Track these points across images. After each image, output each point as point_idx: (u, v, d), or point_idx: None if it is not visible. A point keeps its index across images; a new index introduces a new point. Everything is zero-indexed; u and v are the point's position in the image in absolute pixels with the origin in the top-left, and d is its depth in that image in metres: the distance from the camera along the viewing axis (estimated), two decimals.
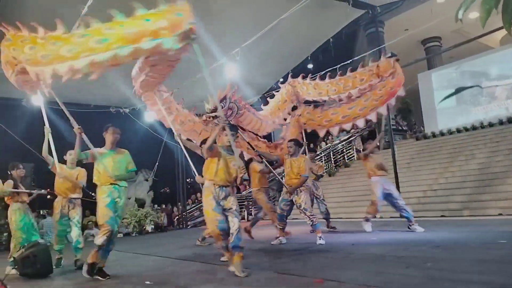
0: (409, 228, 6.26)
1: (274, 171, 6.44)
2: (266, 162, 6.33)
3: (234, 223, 4.06)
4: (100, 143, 5.15)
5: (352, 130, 7.69)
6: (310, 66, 14.90)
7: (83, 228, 13.56)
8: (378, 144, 7.07)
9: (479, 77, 15.16)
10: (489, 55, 14.97)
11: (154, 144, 14.69)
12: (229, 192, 4.19)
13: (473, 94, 15.03)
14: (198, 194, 17.09)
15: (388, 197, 6.54)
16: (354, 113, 6.56)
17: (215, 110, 5.07)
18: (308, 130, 7.20)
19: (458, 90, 1.46)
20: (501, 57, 14.63)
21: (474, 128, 14.13)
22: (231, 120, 5.22)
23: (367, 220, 6.70)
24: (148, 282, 4.09)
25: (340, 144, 16.08)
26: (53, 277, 5.10)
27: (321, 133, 7.33)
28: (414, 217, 6.40)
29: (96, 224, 13.84)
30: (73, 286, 4.42)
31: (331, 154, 15.69)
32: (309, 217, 5.83)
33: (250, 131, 6.32)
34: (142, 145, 15.60)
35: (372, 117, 6.52)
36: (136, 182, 17.26)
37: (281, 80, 16.27)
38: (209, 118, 5.26)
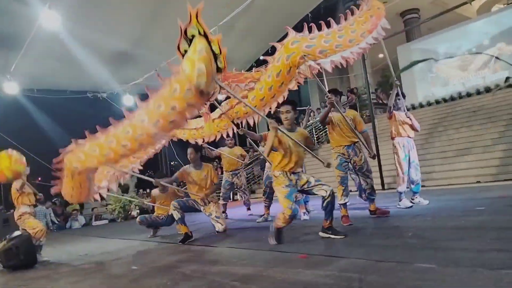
0: (412, 200, 5.77)
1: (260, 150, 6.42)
2: (251, 141, 6.30)
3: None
4: (78, 131, 4.84)
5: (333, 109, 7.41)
6: None
7: (67, 215, 13.48)
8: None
9: (456, 47, 15.30)
10: (466, 25, 15.07)
11: None
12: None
13: (451, 65, 15.21)
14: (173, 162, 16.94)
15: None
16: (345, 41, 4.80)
17: None
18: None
19: (413, 63, 1.45)
20: (478, 27, 14.76)
21: (452, 99, 14.36)
22: (212, 100, 4.95)
23: (400, 193, 5.74)
24: (134, 267, 4.09)
25: None
26: (38, 267, 5.07)
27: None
28: (392, 188, 6.41)
29: (81, 212, 13.76)
30: (58, 275, 4.39)
31: (313, 130, 15.75)
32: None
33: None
34: None
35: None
36: None
37: (261, 58, 16.23)
38: None
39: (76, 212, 13.24)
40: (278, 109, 4.61)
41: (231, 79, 4.99)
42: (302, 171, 4.22)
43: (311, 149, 4.26)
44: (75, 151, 4.11)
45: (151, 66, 11.49)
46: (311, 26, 4.27)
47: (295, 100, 5.10)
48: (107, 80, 13.51)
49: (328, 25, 4.34)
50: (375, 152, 5.53)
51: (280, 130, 4.02)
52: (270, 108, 4.92)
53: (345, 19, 4.46)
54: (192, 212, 5.84)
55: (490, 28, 14.41)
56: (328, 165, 4.17)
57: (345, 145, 5.08)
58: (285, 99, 4.78)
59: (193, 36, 3.23)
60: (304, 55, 4.11)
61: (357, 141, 5.16)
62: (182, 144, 6.59)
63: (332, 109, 4.99)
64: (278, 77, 4.32)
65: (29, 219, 5.52)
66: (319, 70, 4.34)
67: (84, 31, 10.77)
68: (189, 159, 5.86)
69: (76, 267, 4.72)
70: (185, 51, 3.21)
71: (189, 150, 5.78)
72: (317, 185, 4.03)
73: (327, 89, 5.12)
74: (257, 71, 5.39)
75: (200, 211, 5.73)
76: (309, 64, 4.15)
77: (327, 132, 5.45)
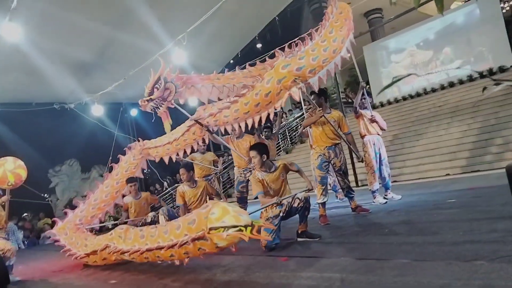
0: (385, 197, 5.91)
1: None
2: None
3: None
4: (45, 144, 4.85)
5: (305, 107, 7.44)
6: (259, 46, 14.83)
7: (39, 231, 13.04)
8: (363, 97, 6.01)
9: (419, 45, 15.80)
10: (428, 23, 15.57)
11: (105, 138, 14.19)
12: None
13: (417, 64, 15.73)
14: (157, 185, 16.81)
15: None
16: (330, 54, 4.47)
17: (151, 93, 4.82)
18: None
19: (395, 81, 1.49)
20: (438, 24, 15.29)
21: (418, 95, 14.81)
22: (171, 101, 4.94)
23: (373, 192, 5.84)
24: (113, 281, 4.00)
25: (294, 121, 16.28)
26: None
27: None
28: (366, 185, 6.53)
29: (52, 226, 13.35)
30: None
31: (287, 131, 15.86)
32: None
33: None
34: (92, 140, 15.04)
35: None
36: (90, 179, 16.69)
37: (231, 61, 16.23)
38: (145, 102, 4.92)
39: (48, 226, 12.82)
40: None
41: (187, 80, 5.01)
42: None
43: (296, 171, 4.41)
44: None
45: (119, 75, 11.28)
46: (297, 43, 4.33)
47: None
48: (74, 90, 13.18)
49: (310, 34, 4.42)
50: (363, 156, 5.64)
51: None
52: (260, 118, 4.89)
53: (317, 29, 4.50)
54: None
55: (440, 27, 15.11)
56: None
57: (327, 146, 5.14)
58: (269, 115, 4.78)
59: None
60: (295, 79, 4.15)
61: (339, 143, 5.25)
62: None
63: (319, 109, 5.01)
64: (266, 97, 4.36)
65: None
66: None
67: (48, 42, 10.49)
68: (182, 179, 5.73)
69: (52, 285, 4.57)
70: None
71: (181, 171, 5.59)
72: (293, 201, 4.06)
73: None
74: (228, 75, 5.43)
75: None
76: (299, 87, 4.19)
77: (310, 130, 5.46)
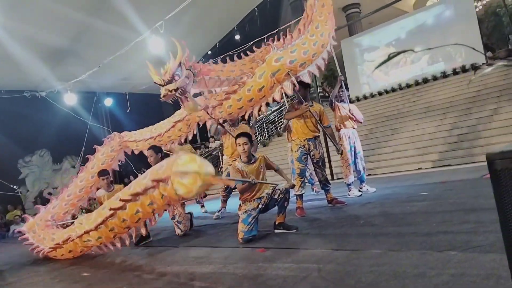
0: (360, 189, 5.97)
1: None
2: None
3: None
4: (15, 133, 4.67)
5: (283, 100, 7.41)
6: (237, 37, 14.73)
7: (8, 223, 12.64)
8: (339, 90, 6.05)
9: (396, 40, 16.05)
10: (403, 19, 15.83)
11: (78, 128, 13.81)
12: None
13: (388, 62, 15.93)
14: (131, 177, 16.53)
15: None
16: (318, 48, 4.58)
17: (171, 81, 4.24)
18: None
19: (391, 57, 1.47)
20: (413, 21, 15.57)
21: (393, 90, 15.07)
22: (189, 91, 4.46)
23: (348, 185, 5.92)
24: (85, 274, 3.91)
25: (271, 115, 16.31)
26: None
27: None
28: (341, 178, 6.62)
29: (22, 219, 12.97)
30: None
31: (264, 124, 15.88)
32: None
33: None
34: (65, 130, 14.64)
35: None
36: (62, 170, 16.28)
37: (209, 52, 16.06)
38: (167, 92, 4.24)
39: (18, 218, 12.44)
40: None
41: (201, 68, 4.80)
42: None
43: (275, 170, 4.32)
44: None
45: (94, 63, 10.97)
46: (284, 35, 4.31)
47: None
48: (46, 78, 12.76)
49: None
50: (342, 148, 5.69)
51: None
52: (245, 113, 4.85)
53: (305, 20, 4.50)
54: None
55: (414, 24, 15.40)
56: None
57: (307, 138, 5.17)
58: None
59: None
60: (289, 72, 4.13)
61: (319, 135, 5.29)
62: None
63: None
64: (260, 92, 4.32)
65: None
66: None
67: (19, 26, 10.10)
68: (149, 162, 5.35)
69: (22, 277, 4.43)
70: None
71: (148, 152, 5.32)
72: (273, 192, 4.05)
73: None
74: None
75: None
76: (291, 81, 4.17)
77: (291, 122, 5.45)
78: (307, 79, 4.27)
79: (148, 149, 5.46)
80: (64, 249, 4.64)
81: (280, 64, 4.14)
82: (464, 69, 13.30)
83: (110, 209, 3.79)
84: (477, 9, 15.76)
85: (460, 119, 10.04)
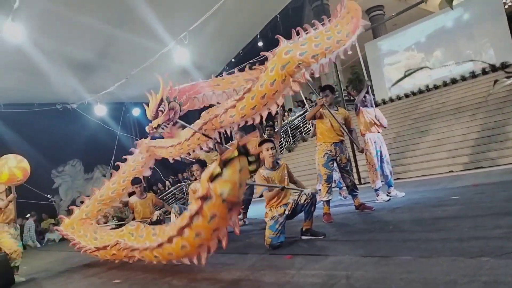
0: (388, 194, 5.91)
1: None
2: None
3: None
4: (47, 145, 4.91)
5: (306, 106, 7.31)
6: (260, 44, 14.81)
7: (43, 232, 13.10)
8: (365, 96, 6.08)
9: (422, 41, 15.75)
10: (429, 19, 15.51)
11: (108, 138, 14.22)
12: None
13: (418, 61, 15.68)
14: (159, 185, 16.83)
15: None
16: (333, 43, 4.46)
17: (156, 117, 4.65)
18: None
19: (407, 75, 1.47)
20: (440, 21, 15.23)
21: (420, 91, 14.76)
22: (176, 121, 4.79)
23: (376, 190, 5.86)
24: (117, 281, 4.01)
25: (296, 120, 16.28)
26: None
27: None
28: (368, 182, 6.54)
29: (55, 225, 13.42)
30: None
31: (289, 130, 15.86)
32: None
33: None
34: (95, 141, 15.08)
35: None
36: (93, 179, 16.74)
37: (233, 60, 16.22)
38: (153, 129, 4.71)
39: (52, 226, 12.88)
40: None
41: (187, 92, 5.00)
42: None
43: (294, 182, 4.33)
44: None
45: (121, 74, 11.30)
46: (298, 30, 4.27)
47: None
48: (76, 90, 13.21)
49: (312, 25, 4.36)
50: (363, 146, 5.66)
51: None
52: (262, 117, 4.84)
53: (323, 24, 4.45)
54: None
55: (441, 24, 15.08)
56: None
57: (334, 142, 5.14)
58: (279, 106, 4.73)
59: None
60: (299, 64, 4.14)
61: (344, 139, 5.26)
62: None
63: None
64: (272, 86, 4.32)
65: (6, 239, 5.33)
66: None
67: (49, 42, 10.51)
68: (196, 176, 5.81)
69: (57, 285, 4.60)
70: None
71: (195, 167, 5.77)
72: (299, 197, 4.06)
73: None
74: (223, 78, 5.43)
75: None
76: (303, 72, 4.17)
77: (316, 127, 5.39)
78: (317, 71, 4.23)
79: (194, 163, 5.84)
80: (109, 251, 4.73)
81: (290, 56, 4.12)
82: (494, 69, 12.90)
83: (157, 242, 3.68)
84: (506, 6, 15.27)
85: (491, 119, 9.74)
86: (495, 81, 1.72)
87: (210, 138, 5.22)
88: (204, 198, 2.95)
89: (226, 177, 2.90)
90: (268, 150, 4.16)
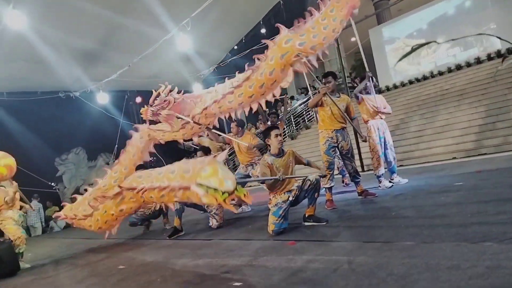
0: (391, 181, 5.90)
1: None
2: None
3: None
4: (50, 133, 4.99)
5: (309, 93, 7.24)
6: (263, 31, 14.69)
7: (47, 219, 13.22)
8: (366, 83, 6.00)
9: (426, 27, 15.56)
10: (434, 5, 15.30)
11: (111, 126, 14.21)
12: None
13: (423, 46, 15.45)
14: None
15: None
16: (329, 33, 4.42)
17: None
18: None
19: (414, 49, 1.43)
20: (443, 7, 15.03)
21: (425, 78, 14.64)
22: (169, 109, 5.24)
23: (378, 177, 5.83)
24: (121, 266, 4.05)
25: (299, 107, 16.22)
26: (22, 274, 4.96)
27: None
28: (371, 169, 6.52)
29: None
30: (45, 280, 4.31)
31: (292, 117, 15.82)
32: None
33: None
34: (98, 129, 15.10)
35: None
36: (96, 167, 16.81)
37: (236, 47, 16.10)
38: (145, 110, 5.39)
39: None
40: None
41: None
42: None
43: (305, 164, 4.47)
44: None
45: (123, 62, 11.25)
46: (298, 20, 4.24)
47: None
48: (78, 78, 13.19)
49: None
50: (366, 136, 5.65)
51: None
52: (260, 104, 4.83)
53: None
54: (193, 207, 5.75)
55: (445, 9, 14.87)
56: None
57: (335, 129, 5.13)
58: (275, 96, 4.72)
59: None
60: (298, 54, 4.12)
61: (346, 126, 5.25)
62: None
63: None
64: (271, 75, 4.30)
65: (10, 225, 5.38)
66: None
67: (52, 30, 10.46)
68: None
69: (61, 271, 4.65)
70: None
71: (199, 154, 5.97)
72: (303, 184, 4.06)
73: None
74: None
75: (201, 207, 5.63)
76: (303, 61, 4.15)
77: (318, 114, 5.41)
78: (315, 62, 4.22)
79: (198, 150, 6.23)
80: (93, 220, 5.25)
81: (290, 45, 4.11)
82: (499, 54, 12.75)
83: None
84: None
85: (495, 105, 9.67)
86: (504, 58, 1.69)
87: (200, 125, 5.28)
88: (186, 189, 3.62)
89: (205, 199, 3.34)
90: (276, 136, 4.21)
